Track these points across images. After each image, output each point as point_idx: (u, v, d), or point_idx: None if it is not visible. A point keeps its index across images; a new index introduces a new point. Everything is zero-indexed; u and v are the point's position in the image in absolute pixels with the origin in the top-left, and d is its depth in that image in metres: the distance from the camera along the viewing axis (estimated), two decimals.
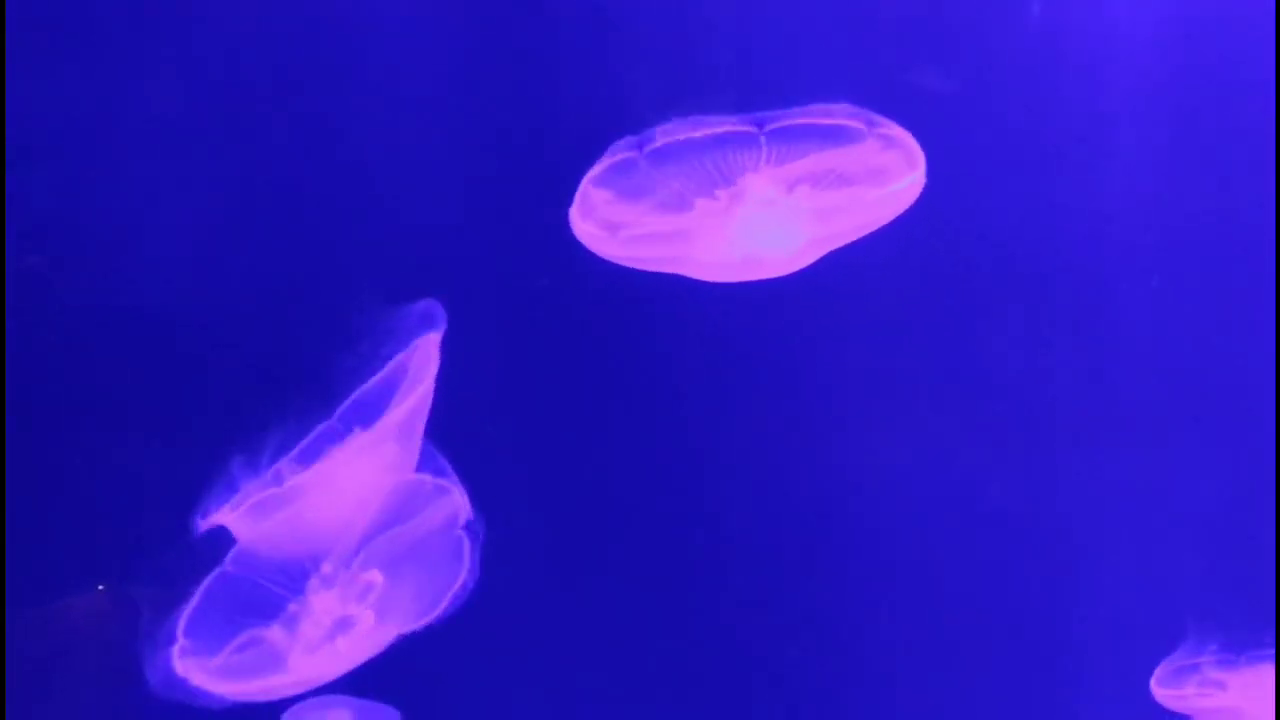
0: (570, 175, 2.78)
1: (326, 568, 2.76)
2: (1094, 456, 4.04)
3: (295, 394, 2.75)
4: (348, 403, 2.67)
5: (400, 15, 3.66)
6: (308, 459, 2.64)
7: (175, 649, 2.72)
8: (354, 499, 2.73)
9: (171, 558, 2.76)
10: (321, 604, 2.75)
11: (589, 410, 4.00)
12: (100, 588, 3.71)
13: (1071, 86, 3.86)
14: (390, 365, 2.67)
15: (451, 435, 2.89)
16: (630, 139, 2.72)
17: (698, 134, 2.67)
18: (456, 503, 2.87)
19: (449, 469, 2.89)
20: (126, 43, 3.58)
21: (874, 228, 2.88)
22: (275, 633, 2.76)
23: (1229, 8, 3.81)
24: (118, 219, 3.61)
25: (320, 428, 2.69)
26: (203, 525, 2.61)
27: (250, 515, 2.58)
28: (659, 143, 2.70)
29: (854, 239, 2.90)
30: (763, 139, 2.69)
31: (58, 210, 3.60)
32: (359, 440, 2.67)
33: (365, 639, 2.82)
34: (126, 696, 2.82)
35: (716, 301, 3.11)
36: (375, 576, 2.78)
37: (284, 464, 2.63)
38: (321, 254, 3.70)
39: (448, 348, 2.75)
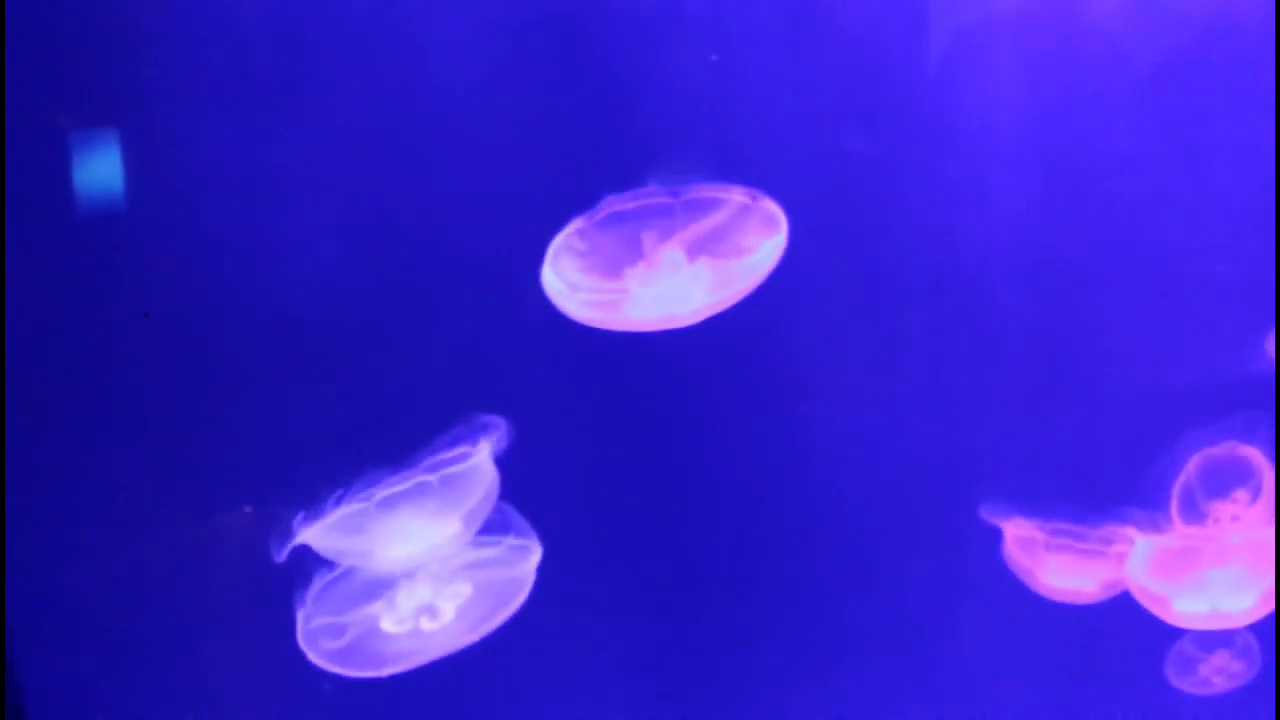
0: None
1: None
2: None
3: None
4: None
5: None
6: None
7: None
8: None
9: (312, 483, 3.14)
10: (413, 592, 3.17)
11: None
12: (248, 509, 4.00)
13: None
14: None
15: None
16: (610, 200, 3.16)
17: (624, 207, 3.17)
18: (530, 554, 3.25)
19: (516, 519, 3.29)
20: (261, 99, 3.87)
21: (757, 281, 3.29)
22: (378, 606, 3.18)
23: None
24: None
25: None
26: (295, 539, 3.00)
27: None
28: (600, 214, 3.18)
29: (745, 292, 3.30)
30: (678, 209, 3.18)
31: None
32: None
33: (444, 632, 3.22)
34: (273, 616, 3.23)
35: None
36: (464, 588, 3.21)
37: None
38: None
39: None
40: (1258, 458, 3.72)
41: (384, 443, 3.35)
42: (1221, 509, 3.76)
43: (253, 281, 3.85)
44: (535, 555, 3.23)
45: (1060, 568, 3.84)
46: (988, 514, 3.92)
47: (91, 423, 3.87)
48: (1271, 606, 3.57)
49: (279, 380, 3.94)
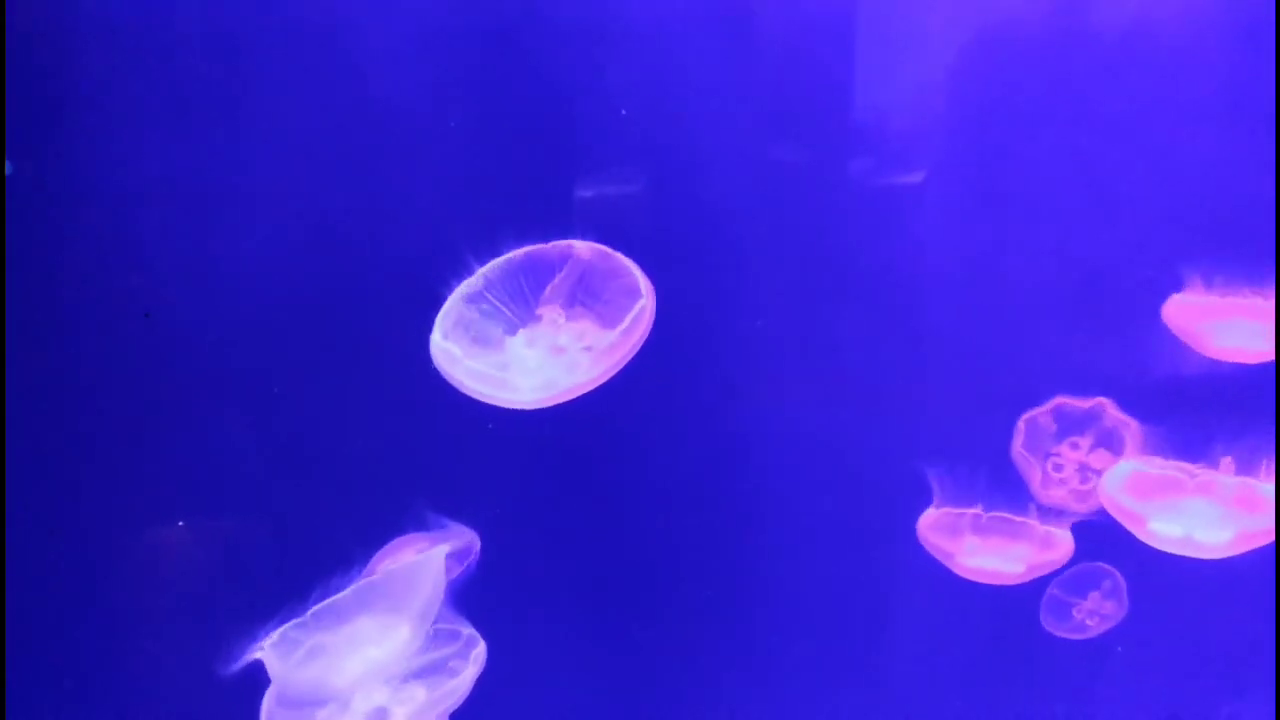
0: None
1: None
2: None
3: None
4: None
5: None
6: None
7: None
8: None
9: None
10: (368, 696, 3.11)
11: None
12: (180, 523, 4.04)
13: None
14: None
15: None
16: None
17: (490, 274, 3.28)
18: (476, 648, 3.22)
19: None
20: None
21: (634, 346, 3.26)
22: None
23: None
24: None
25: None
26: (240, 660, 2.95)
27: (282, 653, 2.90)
28: (477, 284, 3.28)
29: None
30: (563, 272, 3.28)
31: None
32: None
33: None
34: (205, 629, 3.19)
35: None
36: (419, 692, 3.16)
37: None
38: None
39: None
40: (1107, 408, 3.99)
41: (316, 457, 3.57)
42: (1069, 455, 4.03)
43: (187, 294, 3.94)
44: (481, 648, 3.23)
45: (986, 550, 3.98)
46: (914, 503, 4.05)
47: (19, 434, 3.90)
48: (1247, 548, 3.65)
49: (212, 395, 4.00)
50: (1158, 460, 3.67)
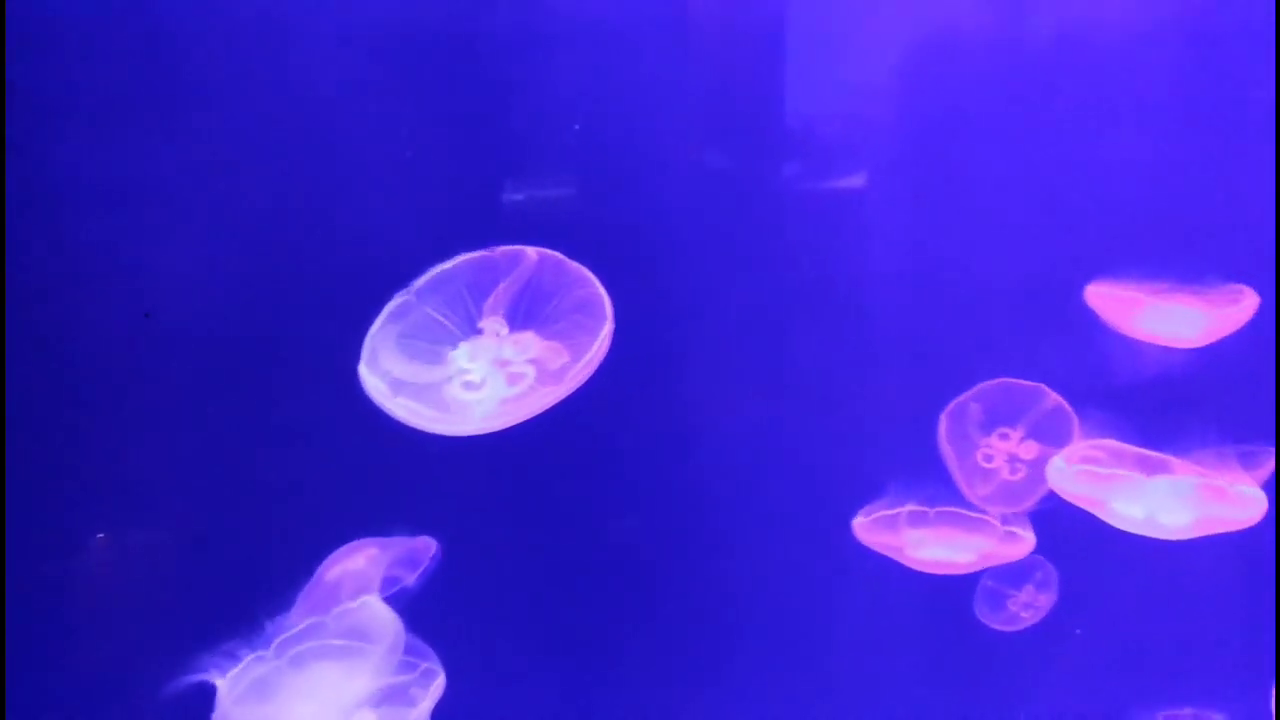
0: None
1: None
2: None
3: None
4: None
5: None
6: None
7: None
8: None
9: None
10: None
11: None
12: (100, 535, 4.01)
13: None
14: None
15: None
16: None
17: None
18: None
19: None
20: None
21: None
22: None
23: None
24: None
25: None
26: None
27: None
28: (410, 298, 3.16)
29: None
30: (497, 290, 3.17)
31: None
32: None
33: None
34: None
35: None
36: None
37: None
38: None
39: None
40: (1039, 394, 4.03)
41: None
42: (997, 444, 4.06)
43: (115, 298, 3.86)
44: (441, 679, 3.16)
45: (936, 542, 4.00)
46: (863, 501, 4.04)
47: None
48: (1207, 531, 3.70)
49: (139, 403, 3.93)
50: (1115, 443, 3.71)
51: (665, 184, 4.14)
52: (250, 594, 3.19)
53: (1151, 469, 3.62)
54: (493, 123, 4.07)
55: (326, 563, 3.74)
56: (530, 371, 3.20)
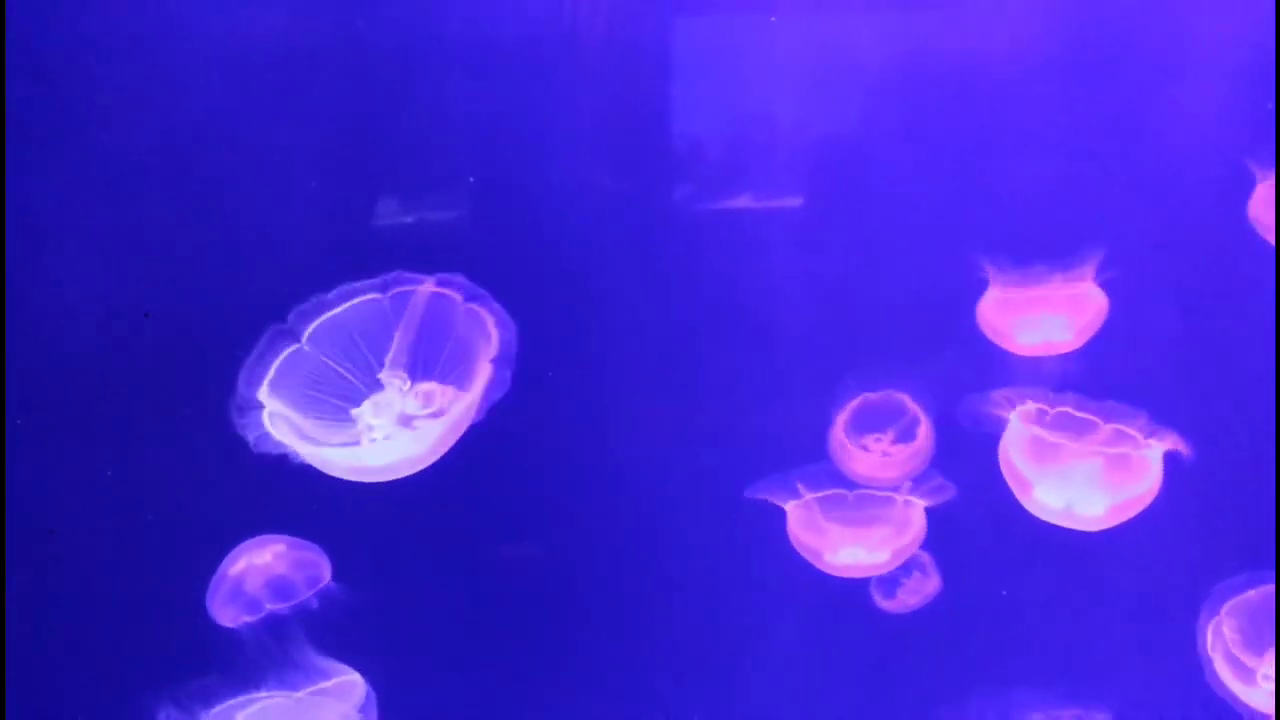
0: None
1: None
2: None
3: None
4: None
5: None
6: None
7: None
8: None
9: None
10: None
11: None
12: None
13: None
14: None
15: None
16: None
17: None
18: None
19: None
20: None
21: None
22: None
23: None
24: None
25: None
26: None
27: None
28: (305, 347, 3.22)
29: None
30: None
31: None
32: None
33: None
34: None
35: None
36: None
37: None
38: None
39: None
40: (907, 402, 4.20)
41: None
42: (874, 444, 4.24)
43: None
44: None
45: (846, 538, 4.13)
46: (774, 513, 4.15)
47: None
48: (1120, 519, 3.80)
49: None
50: (1040, 430, 3.83)
51: (557, 205, 4.15)
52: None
53: (1070, 456, 3.76)
54: (380, 144, 4.07)
55: (232, 555, 3.81)
56: (434, 423, 3.25)
